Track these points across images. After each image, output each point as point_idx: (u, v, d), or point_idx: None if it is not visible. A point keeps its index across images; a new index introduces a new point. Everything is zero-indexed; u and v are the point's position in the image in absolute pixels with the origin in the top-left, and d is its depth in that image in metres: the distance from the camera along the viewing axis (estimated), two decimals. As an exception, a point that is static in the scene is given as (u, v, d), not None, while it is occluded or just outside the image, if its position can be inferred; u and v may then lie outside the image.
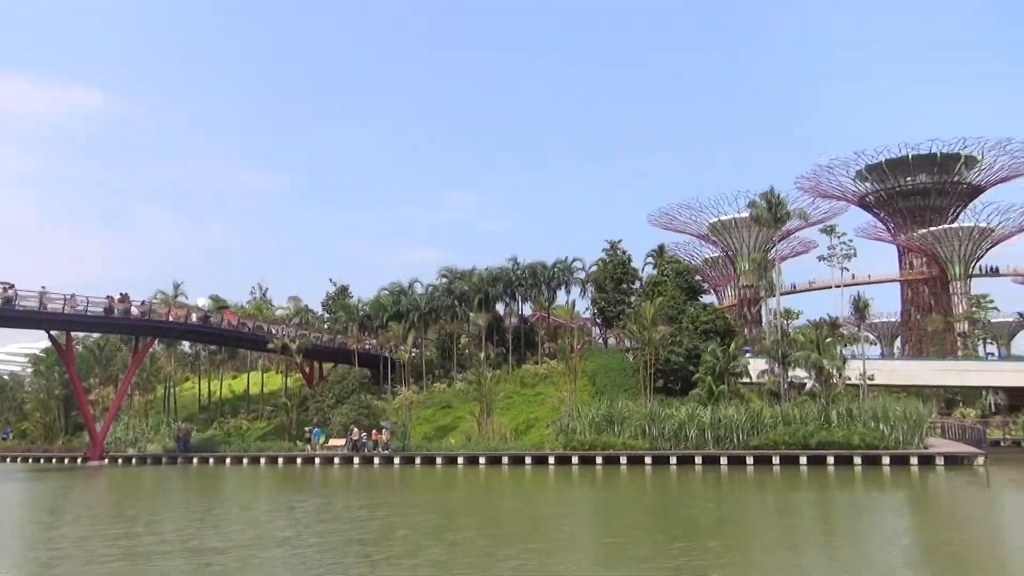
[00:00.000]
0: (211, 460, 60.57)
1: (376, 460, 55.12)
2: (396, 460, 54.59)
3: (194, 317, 69.30)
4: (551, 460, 50.21)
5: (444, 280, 79.52)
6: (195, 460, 60.86)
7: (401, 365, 71.10)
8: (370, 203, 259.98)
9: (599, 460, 48.90)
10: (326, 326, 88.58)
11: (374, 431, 58.16)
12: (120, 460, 63.35)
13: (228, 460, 60.27)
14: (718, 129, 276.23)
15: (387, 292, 79.83)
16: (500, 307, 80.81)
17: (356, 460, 55.88)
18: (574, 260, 78.47)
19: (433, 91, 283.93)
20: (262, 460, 59.07)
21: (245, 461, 59.42)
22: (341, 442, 58.77)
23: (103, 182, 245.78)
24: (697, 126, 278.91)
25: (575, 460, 49.41)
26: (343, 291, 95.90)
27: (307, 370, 75.82)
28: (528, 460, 51.05)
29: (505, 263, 78.81)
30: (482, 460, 52.17)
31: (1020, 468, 47.65)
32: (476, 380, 61.71)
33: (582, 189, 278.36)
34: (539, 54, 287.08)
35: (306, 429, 61.87)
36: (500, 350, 76.70)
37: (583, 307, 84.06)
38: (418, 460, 54.09)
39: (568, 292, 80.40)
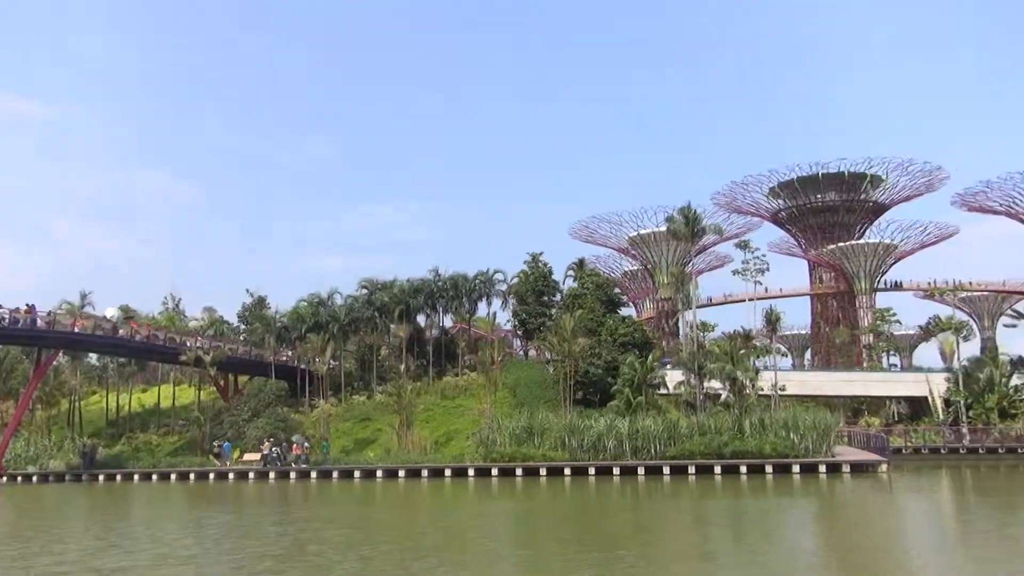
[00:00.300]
0: (118, 477, 58.31)
1: (292, 475, 53.99)
2: (313, 474, 53.57)
3: (102, 328, 66.72)
4: (471, 472, 50.08)
5: (364, 291, 78.68)
6: (101, 477, 58.48)
7: (319, 377, 69.91)
8: (289, 213, 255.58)
9: (519, 472, 48.97)
10: (242, 337, 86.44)
11: (295, 445, 56.98)
12: (19, 478, 60.43)
13: (136, 477, 58.11)
14: (640, 144, 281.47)
15: (306, 303, 78.51)
16: (421, 319, 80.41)
17: (271, 475, 54.61)
18: (496, 272, 78.76)
19: (355, 100, 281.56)
20: (172, 476, 57.17)
21: (154, 477, 57.40)
22: (255, 457, 57.36)
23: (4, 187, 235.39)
24: (619, 140, 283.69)
25: (495, 472, 49.38)
26: (260, 302, 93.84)
27: (222, 383, 73.80)
28: (448, 473, 50.77)
29: (427, 274, 78.59)
30: (401, 473, 51.66)
31: (920, 474, 49.72)
32: (396, 392, 61.12)
33: (505, 201, 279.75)
34: (460, 65, 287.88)
35: (215, 443, 60.11)
36: (421, 362, 76.21)
37: (504, 319, 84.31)
38: (336, 474, 53.20)
39: (489, 304, 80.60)
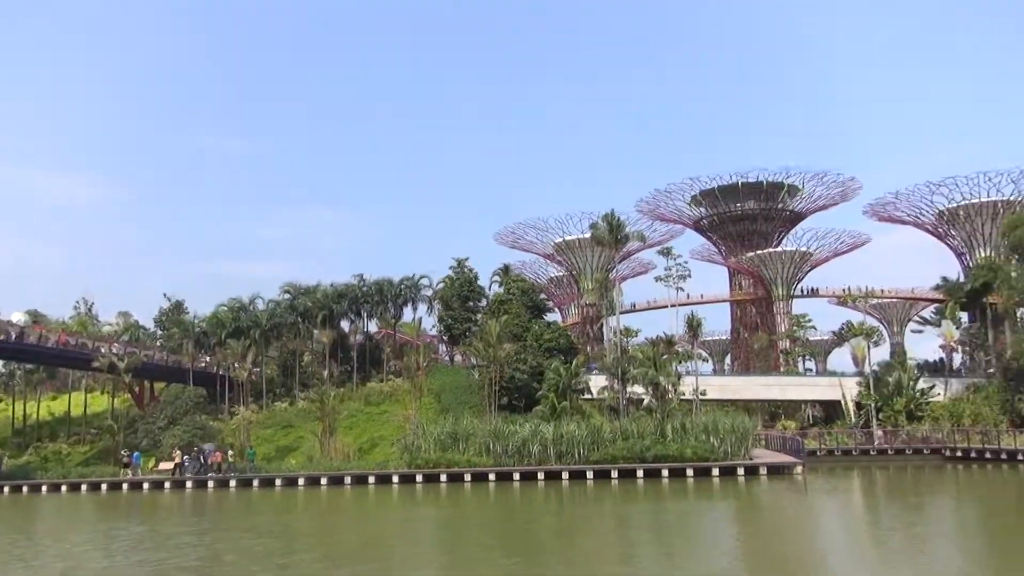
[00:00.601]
0: (25, 488, 55.85)
1: (211, 484, 52.62)
2: (232, 483, 52.32)
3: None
4: (395, 479, 49.65)
5: (287, 296, 77.28)
6: (6, 489, 55.95)
7: (240, 384, 68.33)
8: (208, 215, 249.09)
9: (443, 478, 48.75)
10: (159, 343, 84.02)
11: (218, 452, 55.51)
12: (-84, 492, 57.37)
13: (44, 488, 55.74)
14: (568, 150, 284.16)
15: (226, 308, 76.67)
16: (345, 324, 79.44)
17: (189, 484, 53.13)
18: (421, 277, 78.36)
19: (280, 103, 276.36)
20: (83, 487, 55.05)
21: (64, 488, 55.17)
22: (171, 465, 55.68)
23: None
24: (546, 145, 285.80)
25: (419, 478, 49.06)
26: (178, 307, 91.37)
27: (137, 390, 71.49)
28: (372, 480, 50.23)
29: (351, 279, 77.68)
30: (324, 481, 50.88)
31: (833, 476, 51.31)
32: (319, 399, 60.22)
33: (431, 208, 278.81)
34: (385, 65, 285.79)
35: (123, 452, 58.01)
36: (345, 368, 75.27)
37: (430, 324, 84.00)
38: (256, 483, 52.07)
39: (415, 309, 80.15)
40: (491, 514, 35.80)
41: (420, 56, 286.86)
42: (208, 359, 75.48)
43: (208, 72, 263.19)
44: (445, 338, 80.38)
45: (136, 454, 57.39)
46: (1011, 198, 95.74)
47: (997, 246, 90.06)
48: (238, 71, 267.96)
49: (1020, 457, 53.40)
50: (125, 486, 54.11)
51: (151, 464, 57.59)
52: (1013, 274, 65.22)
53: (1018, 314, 66.02)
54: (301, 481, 51.07)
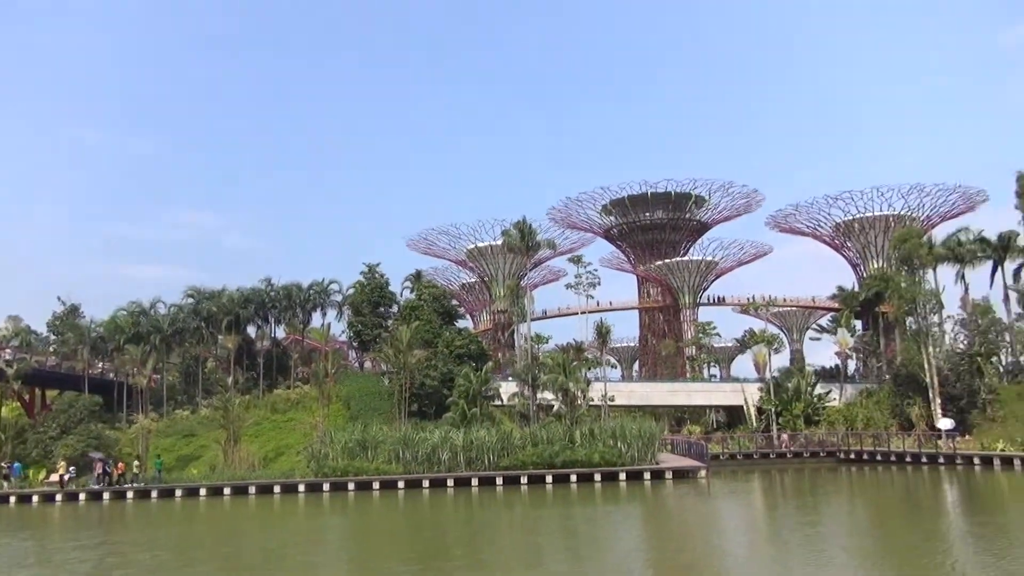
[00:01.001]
0: (-102, 504, 52.40)
1: (106, 496, 50.43)
2: (129, 495, 50.25)
3: None
4: (301, 488, 48.60)
5: (190, 300, 74.96)
6: None
7: (139, 391, 65.88)
8: (105, 215, 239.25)
9: (351, 486, 48.03)
10: (52, 349, 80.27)
11: (120, 463, 53.19)
12: None
13: (-80, 503, 52.40)
14: (485, 156, 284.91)
15: (125, 312, 73.82)
16: (252, 329, 77.53)
17: (82, 496, 50.78)
18: (331, 282, 77.22)
19: (182, 102, 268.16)
20: (-35, 501, 51.97)
21: (-58, 503, 51.97)
22: (56, 477, 52.93)
23: None
24: (460, 151, 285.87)
25: (327, 487, 48.17)
26: (73, 311, 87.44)
27: (27, 398, 68.05)
28: (277, 489, 49.02)
29: (258, 284, 75.97)
30: (227, 491, 49.38)
31: (735, 479, 52.80)
32: (223, 406, 58.49)
33: (343, 212, 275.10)
34: (293, 66, 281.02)
35: (2, 464, 54.85)
36: (251, 374, 73.40)
37: (339, 330, 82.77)
38: (155, 494, 50.15)
39: (324, 315, 78.97)
40: (398, 522, 35.47)
41: (330, 56, 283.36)
42: (105, 366, 72.52)
43: (106, 68, 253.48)
44: (355, 344, 79.39)
45: (16, 465, 54.32)
46: (902, 212, 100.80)
47: (889, 258, 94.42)
48: (135, 67, 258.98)
49: (908, 459, 56.07)
50: (12, 499, 51.32)
51: (41, 476, 54.80)
52: (903, 284, 68.34)
53: (907, 322, 69.17)
54: (203, 491, 49.42)
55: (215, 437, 58.31)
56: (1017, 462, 48.76)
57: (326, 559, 24.02)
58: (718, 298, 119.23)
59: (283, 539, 29.63)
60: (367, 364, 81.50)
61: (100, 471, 51.86)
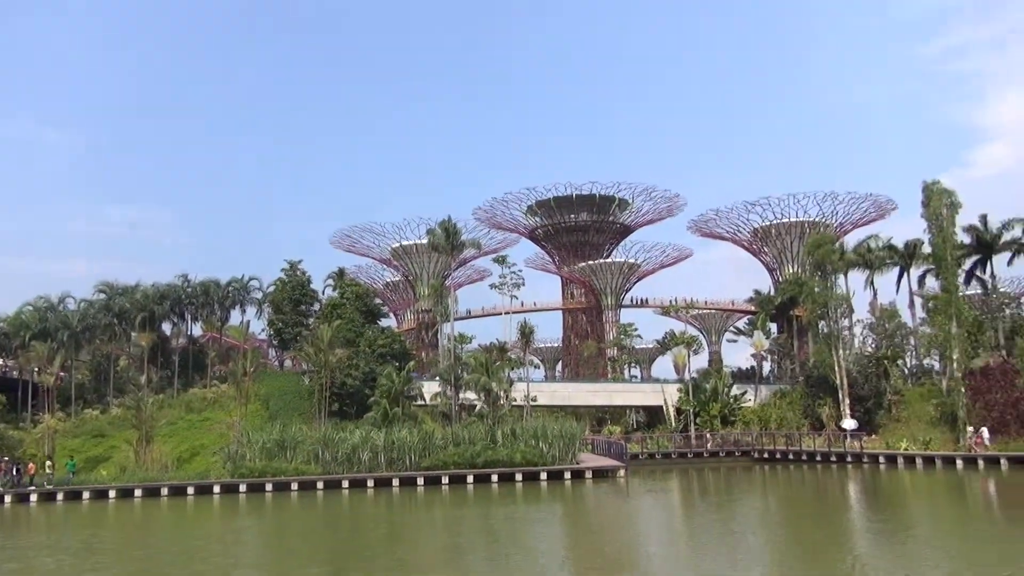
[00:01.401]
0: None
1: (7, 499, 48.24)
2: (33, 498, 48.18)
3: None
4: (216, 489, 47.52)
5: (102, 296, 72.29)
6: None
7: (46, 390, 63.26)
8: (17, 209, 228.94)
9: (269, 487, 47.15)
10: (-49, 345, 76.49)
11: (31, 464, 50.87)
12: None
13: None
14: (407, 155, 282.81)
15: (31, 308, 70.85)
16: (167, 326, 75.33)
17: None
18: (251, 279, 75.58)
19: (100, 91, 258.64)
20: None
21: None
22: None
23: None
24: (385, 150, 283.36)
25: (243, 488, 47.18)
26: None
27: (-80, 397, 64.71)
28: (191, 491, 47.80)
29: (175, 279, 73.85)
30: (138, 493, 47.83)
31: (653, 478, 53.76)
32: (135, 405, 56.70)
33: (263, 209, 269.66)
34: (217, 59, 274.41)
35: None
36: (165, 373, 71.34)
37: (259, 328, 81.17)
38: (60, 496, 48.24)
39: (243, 312, 77.24)
40: (315, 523, 35.01)
41: (250, 48, 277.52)
42: (9, 363, 69.44)
43: (24, 57, 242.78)
44: (275, 343, 77.94)
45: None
46: (816, 219, 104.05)
47: (803, 263, 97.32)
48: (56, 58, 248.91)
49: (819, 458, 58.03)
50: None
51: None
52: (816, 289, 70.58)
53: (819, 326, 71.48)
54: (112, 493, 47.78)
55: (126, 437, 56.40)
56: (919, 460, 51.00)
57: (239, 561, 23.56)
58: (641, 300, 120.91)
59: (195, 542, 28.91)
60: (287, 363, 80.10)
61: (10, 471, 49.67)
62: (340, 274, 79.36)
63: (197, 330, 79.68)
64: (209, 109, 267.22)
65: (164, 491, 47.84)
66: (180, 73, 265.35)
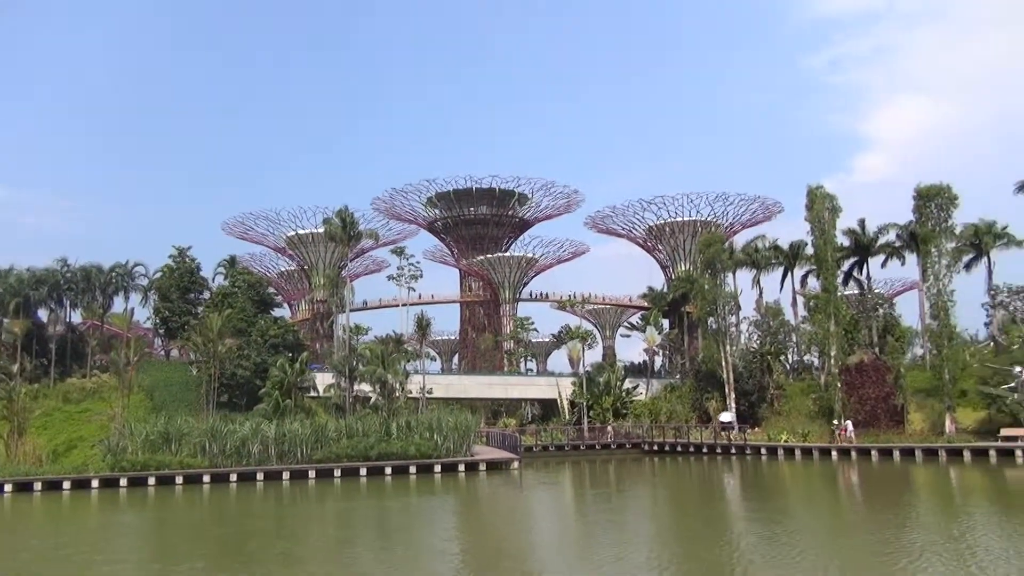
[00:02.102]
0: None
1: None
2: None
3: None
4: (95, 483, 45.46)
5: (-29, 280, 68.23)
6: None
7: (-96, 378, 59.21)
8: None
9: (152, 481, 45.47)
10: None
11: None
12: None
13: None
14: (304, 141, 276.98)
15: None
16: (43, 313, 71.69)
17: None
18: (136, 265, 72.74)
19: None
20: None
21: None
22: None
23: None
24: (283, 135, 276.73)
25: (124, 482, 45.36)
26: None
27: None
28: (67, 485, 45.54)
29: (53, 264, 70.22)
30: (8, 488, 45.23)
31: (546, 470, 54.41)
32: (6, 396, 53.64)
33: (153, 193, 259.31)
34: (117, 44, 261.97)
35: None
36: (40, 361, 67.79)
37: (144, 316, 78.08)
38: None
39: (127, 299, 74.24)
40: (197, 517, 34.08)
41: (153, 34, 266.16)
42: None
43: None
44: (161, 331, 75.16)
45: None
46: (708, 218, 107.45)
47: (695, 261, 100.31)
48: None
49: (705, 450, 59.99)
50: None
51: None
52: (706, 287, 72.80)
53: (708, 322, 73.80)
54: (-23, 489, 45.12)
55: (-5, 430, 53.36)
56: (798, 452, 53.42)
57: (112, 557, 22.64)
58: (542, 294, 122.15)
59: (66, 538, 27.63)
60: (174, 353, 77.34)
61: None
62: (231, 262, 77.22)
63: (77, 317, 76.10)
64: (103, 87, 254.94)
65: (37, 486, 45.43)
66: (59, 46, 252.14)
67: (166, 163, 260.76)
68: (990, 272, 69.60)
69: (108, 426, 52.49)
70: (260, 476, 46.63)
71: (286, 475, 46.77)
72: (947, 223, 56.56)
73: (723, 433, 60.54)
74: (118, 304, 74.95)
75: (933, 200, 56.46)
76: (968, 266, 69.26)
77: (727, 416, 63.22)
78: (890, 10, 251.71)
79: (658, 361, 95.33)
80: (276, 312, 75.05)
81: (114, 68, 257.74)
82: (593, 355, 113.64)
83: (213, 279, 74.86)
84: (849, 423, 54.02)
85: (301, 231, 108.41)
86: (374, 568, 19.80)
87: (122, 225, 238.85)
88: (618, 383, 75.05)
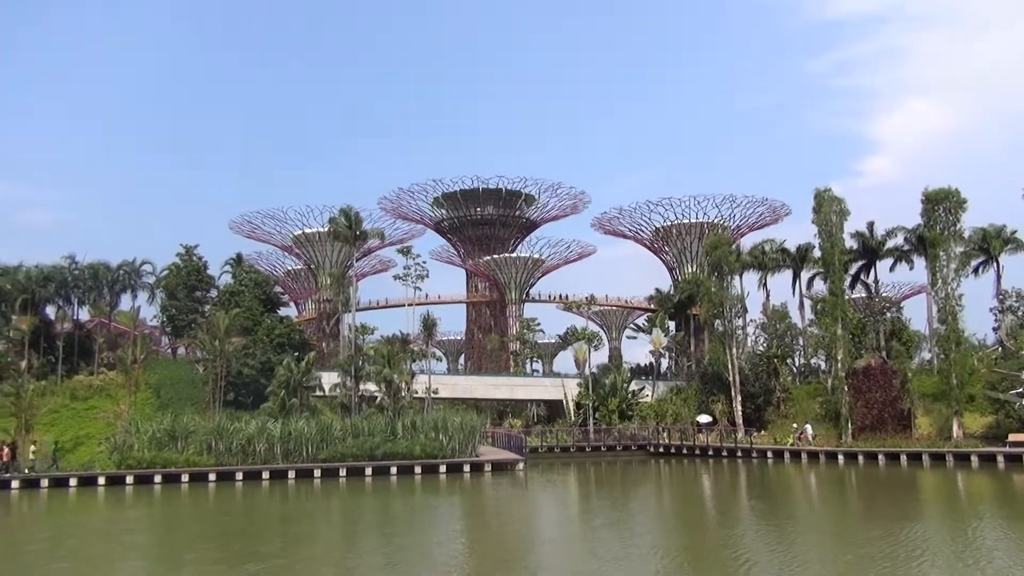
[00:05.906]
0: None
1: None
2: None
3: None
4: (101, 481, 45.55)
5: (-22, 276, 68.35)
6: None
7: (-88, 374, 59.42)
8: None
9: (158, 479, 45.52)
10: None
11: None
12: None
13: None
14: (312, 140, 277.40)
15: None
16: (51, 310, 71.79)
17: None
18: (143, 263, 72.76)
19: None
20: None
21: None
22: None
23: None
24: (296, 136, 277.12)
25: (130, 480, 45.42)
26: None
27: None
28: (73, 482, 45.67)
29: (61, 261, 70.42)
30: (15, 484, 45.43)
31: (552, 471, 54.37)
32: (14, 392, 53.76)
33: (160, 190, 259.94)
34: (115, 42, 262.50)
35: None
36: (48, 359, 67.86)
37: (151, 314, 78.28)
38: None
39: (134, 297, 74.34)
40: (203, 516, 34.10)
41: (143, 29, 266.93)
42: None
43: None
44: (168, 329, 75.27)
45: None
46: (715, 220, 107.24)
47: (702, 263, 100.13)
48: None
49: (711, 452, 59.86)
50: None
51: None
52: (712, 289, 72.60)
53: (715, 324, 73.60)
54: (-16, 485, 45.24)
55: (3, 426, 53.47)
56: (804, 455, 53.26)
57: (116, 554, 22.69)
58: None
59: (74, 536, 27.69)
60: (180, 351, 77.46)
61: None
62: (238, 260, 77.31)
63: (84, 314, 76.32)
64: (104, 89, 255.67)
65: (44, 483, 45.59)
66: (71, 50, 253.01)
67: (177, 163, 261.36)
68: (999, 276, 69.41)
69: (114, 423, 52.62)
70: (266, 475, 46.68)
71: (292, 474, 46.83)
72: (955, 227, 56.27)
73: (699, 435, 61.78)
74: (125, 302, 75.23)
75: (941, 204, 56.19)
76: (977, 270, 69.02)
77: (705, 418, 64.44)
78: (898, 13, 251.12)
79: (664, 363, 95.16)
80: (283, 311, 75.18)
81: (128, 67, 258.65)
82: (599, 357, 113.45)
83: (219, 277, 75.03)
84: (808, 427, 54.76)
85: (308, 230, 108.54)
86: (377, 570, 19.76)
87: (129, 222, 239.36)
88: (624, 385, 74.94)
